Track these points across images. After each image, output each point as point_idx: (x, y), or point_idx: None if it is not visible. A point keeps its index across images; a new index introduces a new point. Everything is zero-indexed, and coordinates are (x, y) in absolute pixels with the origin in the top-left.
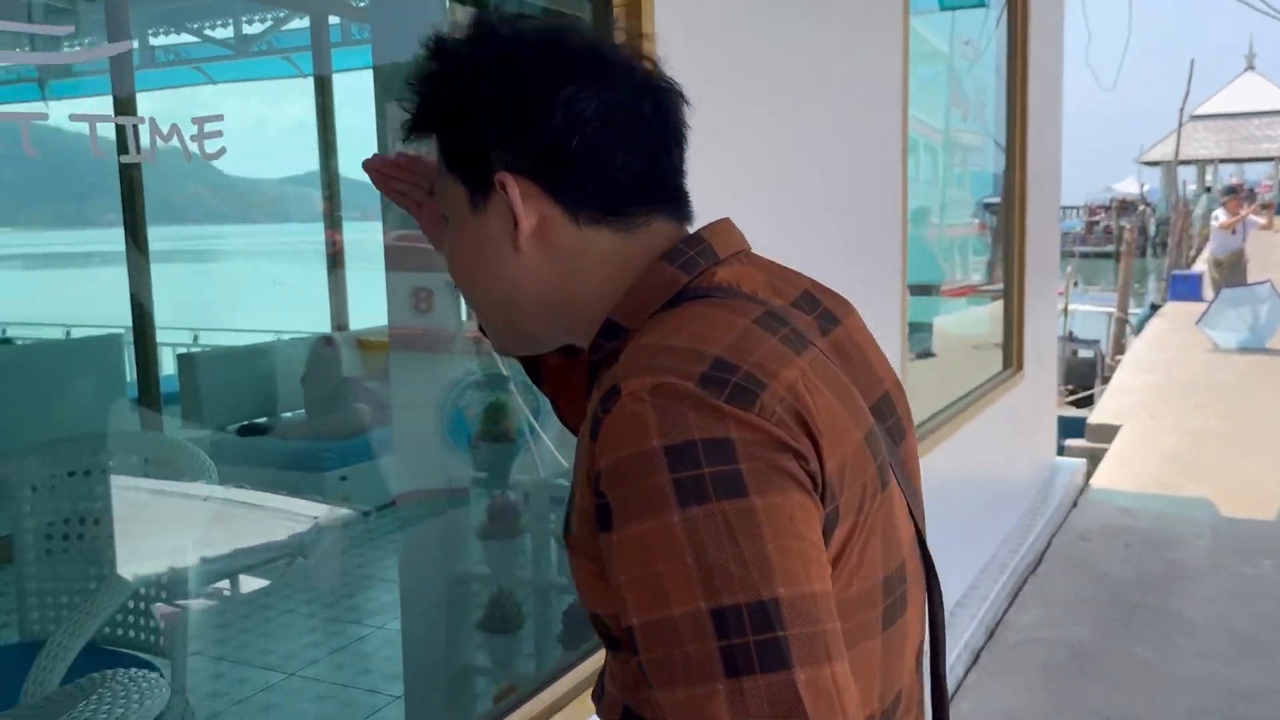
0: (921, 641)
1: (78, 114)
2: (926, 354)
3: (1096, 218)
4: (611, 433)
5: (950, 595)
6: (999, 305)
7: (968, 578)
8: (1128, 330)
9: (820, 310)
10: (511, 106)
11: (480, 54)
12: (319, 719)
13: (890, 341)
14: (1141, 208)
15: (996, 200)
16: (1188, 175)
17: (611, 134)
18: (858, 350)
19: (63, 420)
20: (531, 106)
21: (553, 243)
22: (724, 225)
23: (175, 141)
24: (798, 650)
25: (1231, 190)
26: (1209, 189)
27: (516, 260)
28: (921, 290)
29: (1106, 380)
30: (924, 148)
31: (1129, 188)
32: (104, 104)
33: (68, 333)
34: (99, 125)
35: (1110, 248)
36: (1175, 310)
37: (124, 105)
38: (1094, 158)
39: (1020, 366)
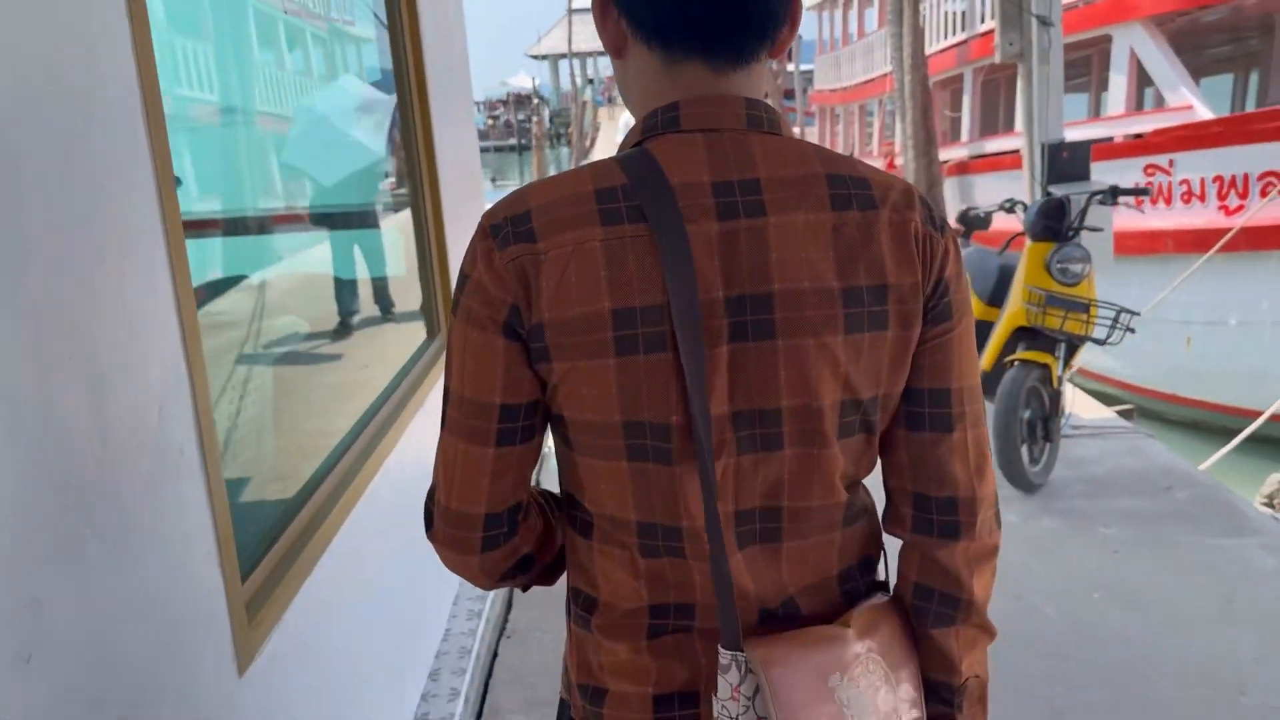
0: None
1: None
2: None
3: (496, 112)
4: None
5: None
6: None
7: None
8: None
9: (731, 199)
10: None
11: None
12: None
13: (161, 306)
14: (535, 101)
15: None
16: (574, 68)
17: None
18: (758, 245)
19: None
20: None
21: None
22: (715, 99)
23: None
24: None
25: None
26: (591, 80)
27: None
28: (236, 225)
29: None
30: (311, 37)
31: (522, 82)
32: None
33: None
34: None
35: (512, 141)
36: None
37: None
38: (488, 52)
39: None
